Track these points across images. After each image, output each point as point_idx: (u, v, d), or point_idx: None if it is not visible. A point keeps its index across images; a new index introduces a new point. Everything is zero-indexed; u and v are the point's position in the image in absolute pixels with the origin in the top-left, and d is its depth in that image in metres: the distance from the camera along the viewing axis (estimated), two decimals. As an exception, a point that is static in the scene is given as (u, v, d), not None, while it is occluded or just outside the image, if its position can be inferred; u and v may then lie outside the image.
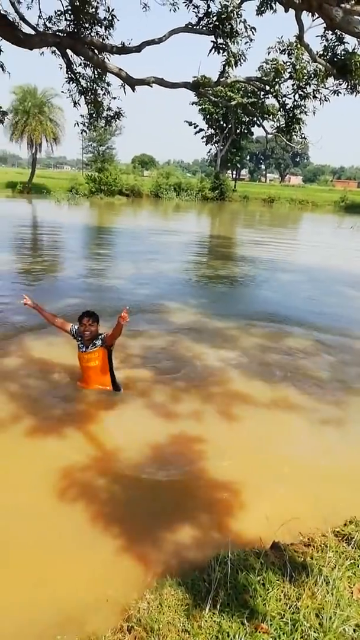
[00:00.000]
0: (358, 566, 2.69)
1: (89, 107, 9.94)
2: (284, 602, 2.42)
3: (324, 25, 7.27)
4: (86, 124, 10.53)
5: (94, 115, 10.12)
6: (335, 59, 8.02)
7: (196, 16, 8.40)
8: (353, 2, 6.41)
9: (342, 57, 7.93)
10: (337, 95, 8.66)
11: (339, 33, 7.58)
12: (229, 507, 3.55)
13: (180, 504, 3.59)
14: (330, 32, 7.75)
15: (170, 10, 8.93)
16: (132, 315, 8.44)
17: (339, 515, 3.36)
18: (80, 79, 9.45)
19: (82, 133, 10.81)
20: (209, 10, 8.23)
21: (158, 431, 4.55)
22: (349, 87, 8.34)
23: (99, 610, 2.63)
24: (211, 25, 8.35)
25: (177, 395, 5.36)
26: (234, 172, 72.77)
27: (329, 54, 8.08)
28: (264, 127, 11.87)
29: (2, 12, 7.51)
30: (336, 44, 8.01)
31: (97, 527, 3.26)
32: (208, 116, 55.86)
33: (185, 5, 8.44)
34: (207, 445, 4.35)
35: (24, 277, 11.52)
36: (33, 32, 8.10)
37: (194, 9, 8.38)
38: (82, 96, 9.68)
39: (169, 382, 5.68)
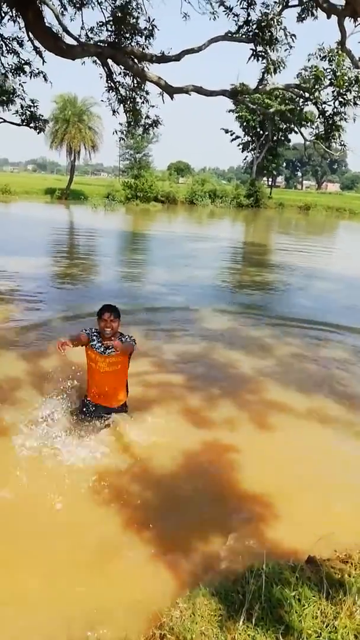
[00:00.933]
0: None
1: (128, 115, 10.10)
2: (321, 620, 2.35)
3: (367, 30, 7.16)
4: (124, 132, 10.70)
5: (132, 123, 10.27)
6: (378, 65, 7.88)
7: (236, 24, 8.43)
8: None
9: (385, 63, 7.79)
10: (379, 101, 8.50)
11: (382, 38, 7.45)
12: (263, 518, 3.49)
13: (213, 513, 3.55)
14: (373, 38, 7.62)
15: (210, 19, 8.99)
16: (167, 320, 8.53)
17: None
18: (119, 88, 9.63)
19: (120, 141, 11.01)
20: (249, 18, 8.23)
21: (191, 438, 4.53)
22: (392, 93, 8.19)
23: (130, 615, 2.62)
24: (251, 33, 8.35)
25: (211, 402, 5.33)
26: (270, 179, 72.34)
27: (372, 59, 7.94)
28: (302, 134, 11.75)
29: (46, 24, 7.72)
30: (379, 49, 7.88)
31: (128, 531, 3.26)
32: (245, 123, 55.89)
33: (226, 14, 8.48)
34: (240, 454, 4.30)
35: (61, 280, 11.76)
36: (75, 43, 8.30)
37: (234, 17, 8.41)
38: (121, 104, 9.85)
39: (202, 389, 5.66)
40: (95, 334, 4.43)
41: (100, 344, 4.38)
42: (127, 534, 3.25)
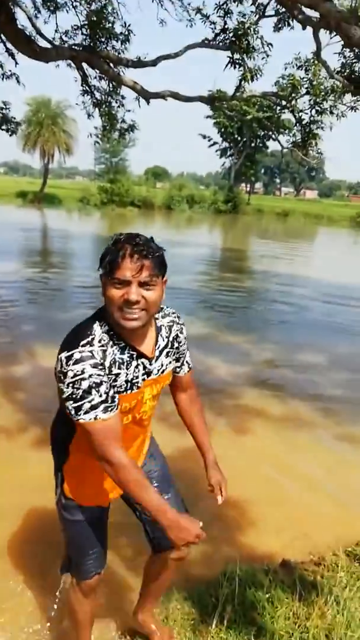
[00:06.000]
0: (370, 587, 2.64)
1: (103, 119, 10.10)
2: (293, 621, 2.37)
3: (342, 42, 7.31)
4: (99, 136, 10.70)
5: (107, 127, 10.28)
6: (352, 76, 8.06)
7: (213, 32, 8.52)
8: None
9: (360, 75, 7.98)
10: (355, 111, 8.72)
11: (357, 50, 7.63)
12: (238, 523, 3.50)
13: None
14: (348, 50, 7.81)
15: (186, 26, 9.08)
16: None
17: (351, 534, 3.30)
18: (95, 92, 9.63)
19: (95, 144, 10.98)
20: (226, 26, 8.34)
21: (166, 442, 4.50)
22: (367, 103, 8.39)
23: (101, 620, 2.59)
24: (228, 41, 8.45)
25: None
26: (248, 186, 73.15)
27: (347, 70, 8.13)
28: (279, 142, 11.91)
29: (19, 26, 7.66)
30: (354, 61, 8.06)
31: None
32: (223, 129, 56.41)
33: (202, 22, 8.57)
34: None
35: (32, 285, 11.63)
36: (50, 46, 8.27)
37: (210, 25, 8.50)
38: (97, 108, 9.84)
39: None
40: (107, 344, 1.62)
41: (137, 362, 1.69)
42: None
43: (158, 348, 1.77)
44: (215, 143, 60.93)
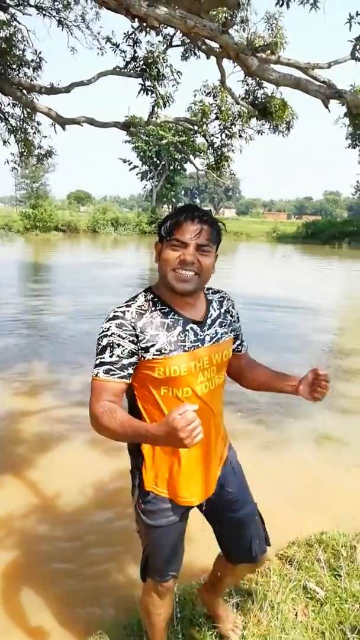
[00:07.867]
0: (301, 587, 2.73)
1: (19, 145, 9.98)
2: (231, 632, 2.40)
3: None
4: (17, 162, 10.54)
5: (24, 153, 10.16)
6: (256, 102, 8.59)
7: (123, 60, 8.76)
8: (269, 52, 6.94)
9: (262, 101, 8.52)
10: (261, 134, 9.26)
11: (257, 79, 8.14)
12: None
13: (125, 542, 3.51)
14: (249, 78, 8.31)
15: (97, 54, 9.26)
16: (71, 351, 8.37)
17: (282, 537, 3.40)
18: (9, 118, 9.51)
19: (12, 171, 10.79)
20: (136, 55, 8.60)
21: (99, 469, 4.45)
22: (271, 127, 8.97)
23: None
24: (138, 69, 8.72)
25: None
26: (170, 207, 74.56)
27: (250, 97, 8.65)
28: (194, 165, 12.35)
29: None
30: (256, 88, 8.60)
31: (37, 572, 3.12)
32: (141, 153, 57.38)
33: (113, 50, 8.79)
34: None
35: None
36: None
37: (121, 53, 8.73)
38: (12, 135, 9.72)
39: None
40: (148, 309, 1.68)
41: (185, 328, 1.69)
42: (33, 573, 3.10)
43: (210, 317, 1.79)
44: (135, 167, 61.81)
